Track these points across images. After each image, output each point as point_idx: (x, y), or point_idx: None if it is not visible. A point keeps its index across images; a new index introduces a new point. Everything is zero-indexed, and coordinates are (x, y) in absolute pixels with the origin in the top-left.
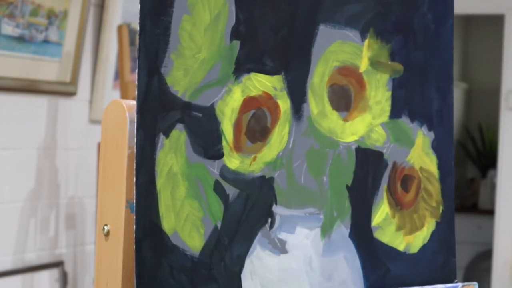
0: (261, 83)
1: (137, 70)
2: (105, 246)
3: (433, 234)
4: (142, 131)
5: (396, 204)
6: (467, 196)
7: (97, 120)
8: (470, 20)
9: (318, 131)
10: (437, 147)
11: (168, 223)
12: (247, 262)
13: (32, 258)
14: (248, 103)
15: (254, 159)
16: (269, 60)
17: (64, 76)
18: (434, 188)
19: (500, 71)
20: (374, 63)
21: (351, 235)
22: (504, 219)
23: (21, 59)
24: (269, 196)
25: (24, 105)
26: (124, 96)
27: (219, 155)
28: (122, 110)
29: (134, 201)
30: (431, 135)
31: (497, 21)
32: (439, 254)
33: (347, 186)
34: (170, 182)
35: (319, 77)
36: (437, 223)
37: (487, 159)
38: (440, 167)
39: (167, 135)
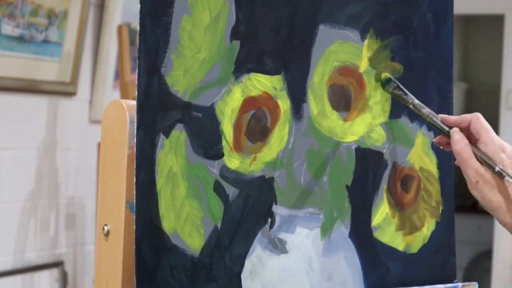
0: (261, 83)
1: (137, 70)
2: (105, 246)
3: (433, 234)
4: (142, 131)
5: (396, 204)
6: (467, 196)
7: (97, 120)
8: (470, 20)
9: (318, 131)
10: (437, 147)
11: (168, 223)
12: (247, 262)
13: (32, 258)
14: (248, 103)
15: (254, 159)
16: (269, 60)
17: (64, 76)
18: (434, 188)
19: (500, 71)
20: (374, 64)
21: (351, 235)
22: None
23: (21, 59)
24: (269, 196)
25: (24, 105)
26: (124, 96)
27: (219, 155)
28: (122, 110)
29: (134, 201)
30: (431, 135)
31: (497, 21)
32: (439, 254)
33: (347, 186)
34: (170, 182)
35: (319, 77)
36: (437, 223)
37: None
38: (440, 167)
39: (167, 135)
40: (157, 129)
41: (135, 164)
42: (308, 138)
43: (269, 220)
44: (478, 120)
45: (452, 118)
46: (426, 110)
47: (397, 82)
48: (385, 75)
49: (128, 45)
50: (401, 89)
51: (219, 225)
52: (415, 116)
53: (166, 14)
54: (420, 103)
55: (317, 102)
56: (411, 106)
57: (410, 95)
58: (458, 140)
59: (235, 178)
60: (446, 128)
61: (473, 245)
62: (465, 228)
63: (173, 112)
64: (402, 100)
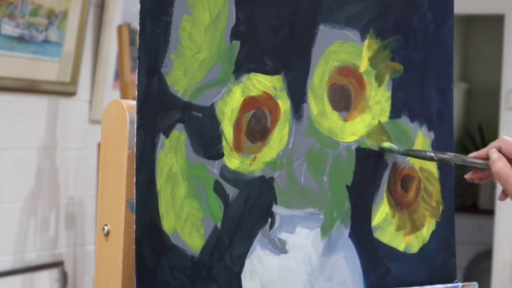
0: (261, 83)
1: (137, 70)
2: (105, 246)
3: (433, 234)
4: (142, 131)
5: (396, 204)
6: (467, 196)
7: (97, 120)
8: (470, 20)
9: (318, 131)
10: (437, 147)
11: (168, 223)
12: (247, 262)
13: (32, 258)
14: (248, 103)
15: (254, 159)
16: (269, 60)
17: (64, 76)
18: (434, 188)
19: (500, 71)
20: (374, 64)
21: (351, 235)
22: (504, 219)
23: (21, 59)
24: (269, 196)
25: (24, 105)
26: (124, 96)
27: (219, 155)
28: (122, 110)
29: (134, 201)
30: (431, 135)
31: (497, 21)
32: (439, 254)
33: (347, 186)
34: (170, 182)
35: (319, 77)
36: (437, 223)
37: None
38: (440, 167)
39: (167, 135)
40: (157, 129)
41: (135, 164)
42: (308, 138)
43: (269, 220)
44: (507, 143)
45: (483, 151)
46: (447, 156)
47: (396, 148)
48: (385, 144)
49: (128, 45)
50: (409, 149)
51: (219, 225)
52: (415, 116)
53: (166, 14)
54: (437, 152)
55: (317, 102)
56: (432, 159)
57: (423, 150)
58: (496, 159)
59: (235, 178)
60: (479, 161)
61: (473, 245)
62: (465, 228)
63: (173, 112)
64: (418, 157)
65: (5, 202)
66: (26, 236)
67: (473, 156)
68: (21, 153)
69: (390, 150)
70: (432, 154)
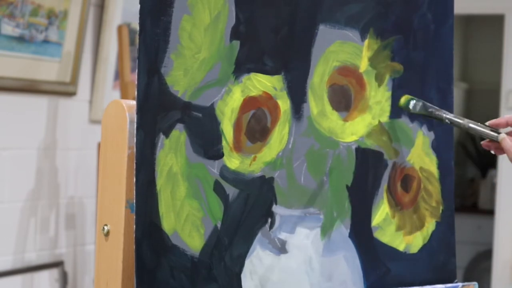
0: (261, 83)
1: (137, 70)
2: (105, 246)
3: (433, 234)
4: (142, 131)
5: (396, 204)
6: (467, 196)
7: (97, 120)
8: (470, 20)
9: (318, 131)
10: (437, 147)
11: (168, 223)
12: (247, 262)
13: (32, 258)
14: (248, 103)
15: (254, 159)
16: (269, 60)
17: (64, 76)
18: (434, 188)
19: (500, 71)
20: (374, 64)
21: (351, 235)
22: (504, 219)
23: (21, 59)
24: (269, 196)
25: (24, 105)
26: (124, 96)
27: (219, 155)
28: (122, 110)
29: (134, 201)
30: (431, 135)
31: (497, 21)
32: (439, 254)
33: (347, 186)
34: (170, 182)
35: (319, 77)
36: (437, 223)
37: (487, 159)
38: (440, 167)
39: (167, 135)
40: (157, 129)
41: (135, 164)
42: (308, 138)
43: (269, 220)
44: None
45: (503, 120)
46: (465, 121)
47: (420, 100)
48: (405, 97)
49: (128, 45)
50: (431, 106)
51: (219, 225)
52: (415, 116)
53: (166, 14)
54: (454, 116)
55: (317, 102)
56: (447, 121)
57: (442, 110)
58: (510, 146)
59: (235, 178)
60: (493, 134)
61: (473, 245)
62: (465, 228)
63: (173, 112)
64: (435, 117)
65: (5, 202)
66: (26, 236)
67: (492, 124)
68: (21, 153)
69: (407, 107)
70: (449, 117)
